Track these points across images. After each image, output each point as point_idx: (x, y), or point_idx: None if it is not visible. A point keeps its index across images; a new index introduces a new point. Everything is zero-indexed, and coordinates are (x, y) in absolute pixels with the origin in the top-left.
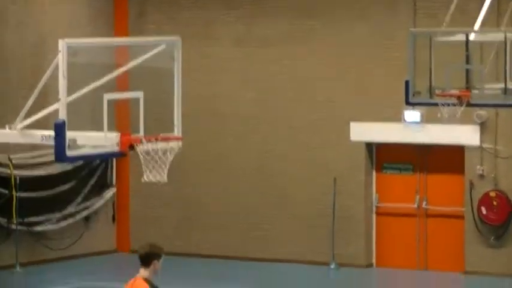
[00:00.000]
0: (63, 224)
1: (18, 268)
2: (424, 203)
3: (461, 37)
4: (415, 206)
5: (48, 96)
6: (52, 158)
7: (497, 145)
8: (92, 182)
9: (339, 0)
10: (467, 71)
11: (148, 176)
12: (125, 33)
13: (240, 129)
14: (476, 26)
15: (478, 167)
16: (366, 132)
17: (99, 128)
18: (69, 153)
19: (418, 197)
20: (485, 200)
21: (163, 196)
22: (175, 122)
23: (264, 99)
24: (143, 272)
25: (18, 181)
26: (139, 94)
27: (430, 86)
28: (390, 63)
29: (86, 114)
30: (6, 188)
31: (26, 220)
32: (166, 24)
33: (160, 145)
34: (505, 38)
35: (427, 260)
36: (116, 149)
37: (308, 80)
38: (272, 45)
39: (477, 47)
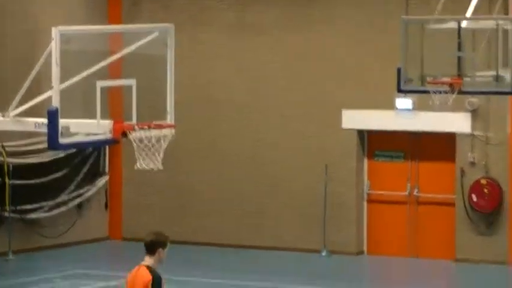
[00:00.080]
0: (56, 211)
1: (11, 255)
2: (415, 190)
3: (453, 25)
4: (406, 193)
5: (41, 83)
6: (45, 145)
7: (489, 132)
8: (85, 169)
9: None
10: (459, 58)
11: (141, 164)
12: (119, 21)
13: (233, 117)
14: (468, 14)
15: (469, 154)
16: (357, 119)
17: (92, 116)
18: (62, 140)
19: (409, 184)
20: (476, 187)
21: (156, 184)
22: (169, 110)
23: (256, 87)
24: (148, 260)
25: (11, 169)
26: (132, 81)
27: (422, 73)
28: (382, 51)
29: (79, 102)
30: None
31: (18, 208)
32: (160, 12)
33: (154, 132)
34: (497, 25)
35: (418, 248)
36: (109, 136)
37: (300, 68)
38: (265, 32)
39: (469, 34)
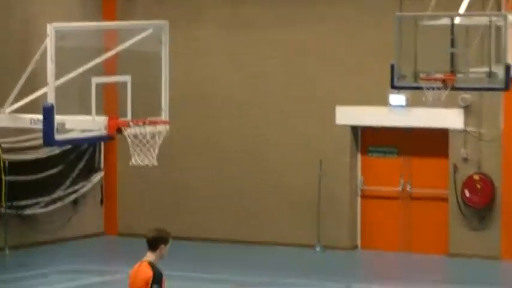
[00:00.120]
0: (52, 207)
1: (7, 251)
2: (409, 185)
3: (446, 21)
4: (400, 188)
5: (37, 80)
6: (41, 141)
7: (482, 128)
8: (80, 165)
9: None
10: (452, 55)
11: (136, 160)
12: (114, 17)
13: (228, 113)
14: (461, 10)
15: (462, 150)
16: (351, 115)
17: (87, 112)
18: (58, 136)
19: (402, 179)
20: (469, 183)
21: (151, 180)
22: (163, 106)
23: (253, 83)
24: (150, 256)
25: (7, 165)
26: (127, 78)
27: (415, 70)
28: (376, 48)
29: (74, 98)
30: None
31: (15, 204)
32: (154, 7)
33: (148, 129)
34: (490, 22)
35: (411, 242)
36: (104, 132)
37: (294, 64)
38: (259, 28)
39: (462, 31)
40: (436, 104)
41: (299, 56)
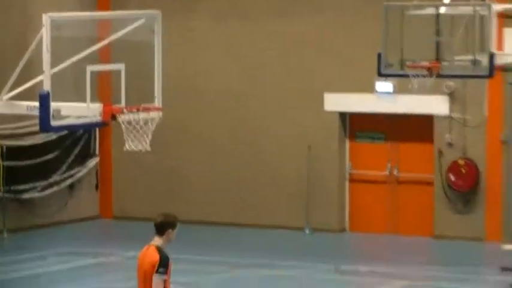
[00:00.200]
0: (49, 191)
1: (5, 234)
2: (395, 170)
3: (432, 11)
4: (387, 173)
5: (33, 68)
6: (37, 128)
7: (466, 115)
8: (76, 151)
9: None
10: (438, 43)
11: (130, 145)
12: (108, 7)
13: (225, 104)
14: (446, 0)
15: (447, 135)
16: (339, 102)
17: (83, 99)
18: (54, 123)
19: (389, 164)
20: (454, 167)
21: (145, 165)
22: (156, 93)
23: (250, 74)
24: (157, 240)
25: (5, 150)
26: (121, 66)
27: (402, 58)
28: (364, 36)
29: (70, 86)
30: None
31: (13, 188)
32: None
33: (142, 115)
34: (474, 11)
35: (398, 225)
36: (99, 119)
37: (291, 55)
38: (254, 19)
39: (447, 20)
40: (421, 91)
41: (297, 47)
